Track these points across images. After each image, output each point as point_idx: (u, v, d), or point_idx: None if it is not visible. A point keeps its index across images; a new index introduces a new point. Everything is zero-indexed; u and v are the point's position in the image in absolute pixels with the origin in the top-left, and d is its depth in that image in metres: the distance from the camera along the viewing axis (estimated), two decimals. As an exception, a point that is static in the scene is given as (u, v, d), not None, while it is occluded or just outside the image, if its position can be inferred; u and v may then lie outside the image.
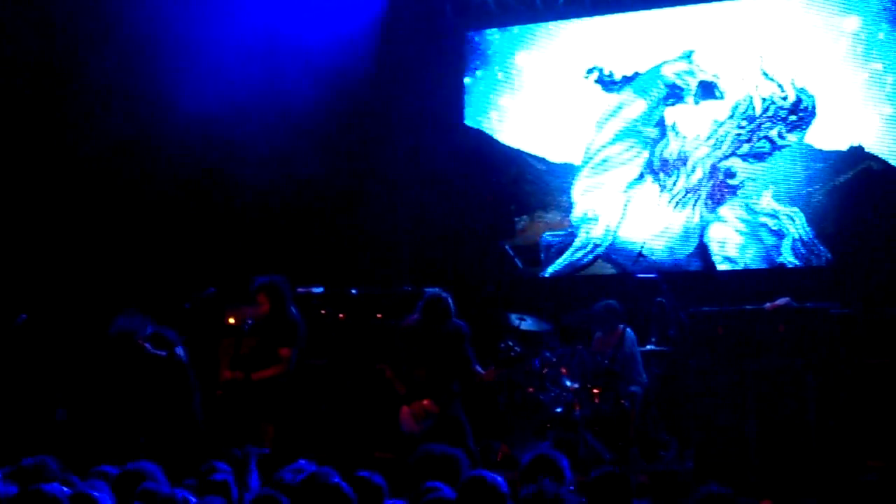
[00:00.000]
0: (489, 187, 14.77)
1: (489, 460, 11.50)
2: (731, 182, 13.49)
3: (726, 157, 13.51)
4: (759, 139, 13.36)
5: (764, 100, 13.36)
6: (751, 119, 13.41)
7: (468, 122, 14.86)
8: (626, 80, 14.07)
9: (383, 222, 14.73)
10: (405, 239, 14.71)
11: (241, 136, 14.27)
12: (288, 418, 11.94)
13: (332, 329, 12.80)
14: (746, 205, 13.39)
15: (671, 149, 13.80)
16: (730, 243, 13.47)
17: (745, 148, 13.43)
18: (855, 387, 10.39)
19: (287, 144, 14.47)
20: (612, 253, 14.02)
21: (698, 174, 13.63)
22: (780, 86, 13.28)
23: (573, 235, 14.25)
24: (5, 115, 13.96)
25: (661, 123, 13.88)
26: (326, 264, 13.95)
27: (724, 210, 13.50)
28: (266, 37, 14.30)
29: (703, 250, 13.59)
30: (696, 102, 13.70)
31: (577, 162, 14.29)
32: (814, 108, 13.12)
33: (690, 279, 13.35)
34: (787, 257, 13.15)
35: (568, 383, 11.96)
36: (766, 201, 13.29)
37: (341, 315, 12.86)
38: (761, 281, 12.87)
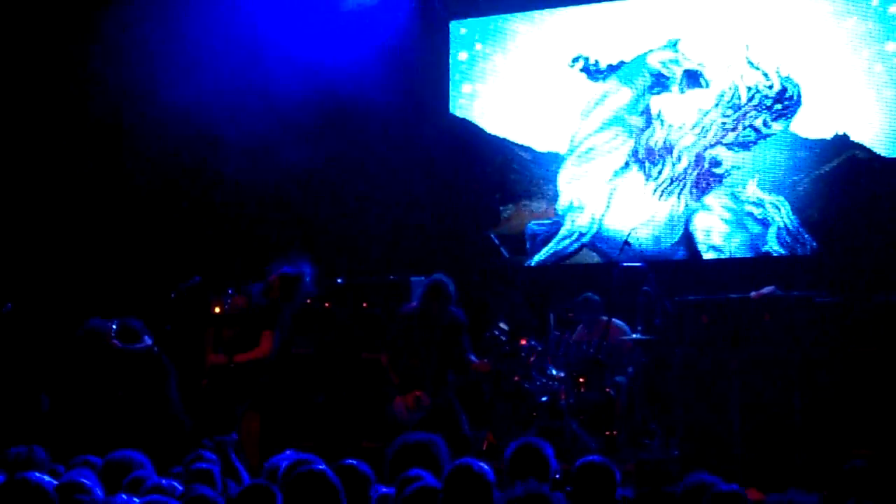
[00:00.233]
0: (474, 176, 14.77)
1: (475, 449, 11.50)
2: (716, 171, 13.50)
3: (712, 146, 13.52)
4: (745, 128, 13.37)
5: (749, 88, 13.36)
6: (736, 108, 13.41)
7: (453, 111, 14.85)
8: (612, 69, 14.08)
9: (368, 211, 14.73)
10: (390, 228, 14.69)
11: (227, 127, 14.24)
12: (275, 407, 11.96)
13: (317, 318, 12.79)
14: (732, 193, 13.41)
15: (656, 137, 13.81)
16: (715, 232, 13.49)
17: (731, 137, 13.44)
18: (840, 375, 10.41)
19: (271, 134, 14.45)
20: (598, 242, 14.03)
21: (684, 163, 13.64)
22: (765, 74, 13.29)
23: (559, 224, 14.26)
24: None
25: (646, 112, 13.89)
26: (312, 253, 13.92)
27: (709, 199, 13.52)
28: (249, 29, 14.28)
29: (688, 239, 13.61)
30: (682, 91, 13.71)
31: (562, 151, 14.29)
32: (799, 96, 13.13)
33: (676, 268, 13.37)
34: (773, 246, 13.16)
35: (553, 372, 11.97)
36: (752, 190, 13.30)
37: (327, 304, 12.85)
38: (746, 269, 12.89)
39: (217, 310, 11.35)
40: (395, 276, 13.06)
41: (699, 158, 13.57)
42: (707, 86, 13.57)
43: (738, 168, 13.40)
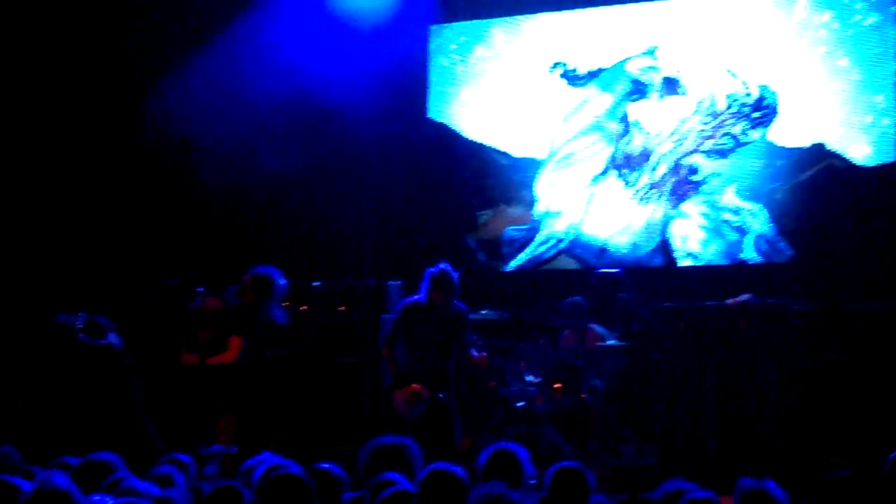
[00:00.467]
0: (452, 181, 14.76)
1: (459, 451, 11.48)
2: (694, 178, 13.51)
3: (689, 153, 13.54)
4: (723, 135, 13.39)
5: (727, 96, 13.39)
6: (714, 115, 13.43)
7: (432, 115, 14.84)
8: (591, 76, 14.09)
9: (346, 215, 14.71)
10: (368, 232, 14.67)
11: (204, 131, 14.22)
12: (250, 411, 11.90)
13: (294, 321, 12.76)
14: (709, 201, 13.42)
15: (635, 144, 13.83)
16: (692, 239, 13.50)
17: (709, 144, 13.45)
18: (816, 382, 10.44)
19: (249, 138, 14.46)
20: (575, 248, 14.03)
21: (661, 170, 13.66)
22: (743, 82, 13.31)
23: (536, 230, 14.26)
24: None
25: (624, 119, 13.90)
26: (289, 257, 13.90)
27: (686, 206, 13.53)
28: (227, 32, 14.28)
29: (665, 246, 13.62)
30: (660, 98, 13.73)
31: (540, 156, 14.29)
32: (777, 105, 13.16)
33: (653, 274, 13.38)
34: (750, 253, 13.18)
35: (530, 378, 11.97)
36: (729, 197, 13.32)
37: (304, 307, 12.82)
38: (723, 277, 12.91)
39: (194, 312, 11.32)
40: (372, 279, 13.03)
41: (677, 165, 13.59)
42: (685, 93, 13.60)
43: (716, 175, 13.41)
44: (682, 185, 13.57)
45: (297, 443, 11.92)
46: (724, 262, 13.35)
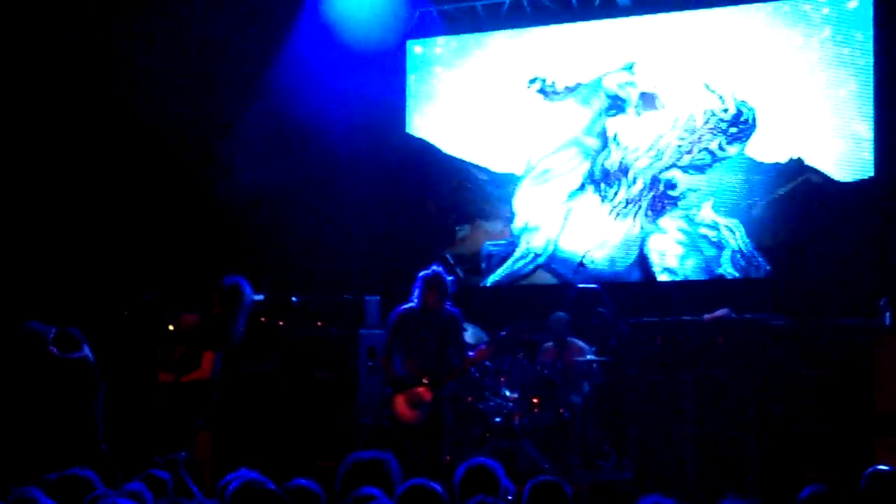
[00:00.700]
0: (430, 196, 14.76)
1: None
2: (671, 193, 13.54)
3: (667, 169, 13.56)
4: (700, 151, 13.41)
5: (705, 112, 13.41)
6: (692, 131, 13.46)
7: (410, 130, 14.85)
8: (568, 91, 14.11)
9: (324, 230, 14.70)
10: (346, 247, 14.65)
11: (180, 144, 14.22)
12: (227, 426, 11.87)
13: (272, 336, 12.74)
14: (687, 216, 13.44)
15: (612, 159, 13.85)
16: (670, 254, 13.52)
17: (686, 159, 13.48)
18: (793, 398, 10.45)
19: (227, 152, 14.45)
20: (553, 263, 14.04)
21: (639, 185, 13.67)
22: (720, 98, 13.34)
23: (514, 245, 14.27)
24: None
25: (602, 134, 13.92)
26: (267, 272, 13.88)
27: (664, 221, 13.55)
28: (203, 46, 14.27)
29: (643, 261, 13.63)
30: (638, 114, 13.75)
31: (518, 172, 14.31)
32: (754, 120, 13.19)
33: (631, 289, 13.39)
34: (727, 268, 13.20)
35: (507, 393, 11.96)
36: (707, 213, 13.34)
37: (281, 322, 12.80)
38: (701, 292, 12.93)
39: (171, 327, 11.26)
40: (350, 294, 13.01)
41: (654, 181, 13.61)
42: (663, 108, 13.62)
43: (694, 191, 13.43)
44: (660, 200, 13.59)
45: (274, 458, 11.89)
46: (701, 277, 13.37)
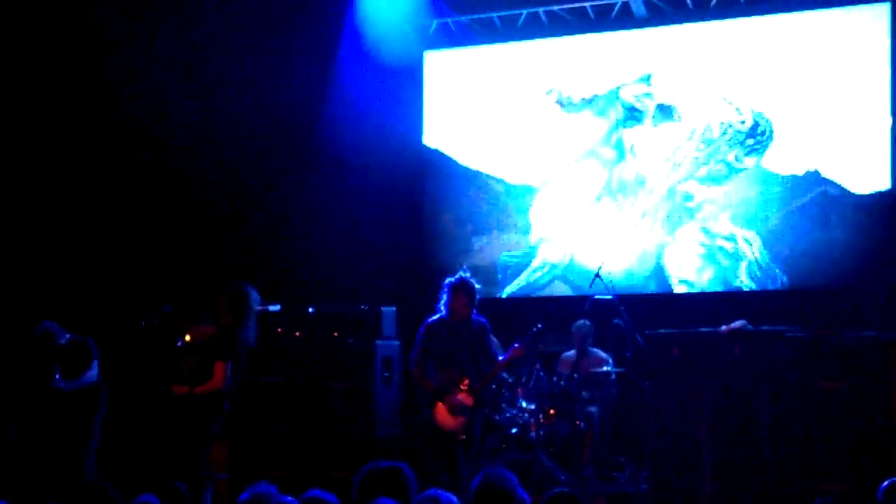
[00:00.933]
0: (447, 207, 14.76)
1: (441, 481, 11.42)
2: (688, 205, 13.52)
3: (684, 180, 13.55)
4: (717, 162, 13.40)
5: (722, 123, 13.40)
6: (708, 142, 13.45)
7: (427, 142, 14.85)
8: (585, 102, 14.11)
9: (340, 241, 14.70)
10: (362, 257, 14.66)
11: (199, 155, 14.24)
12: (244, 436, 11.87)
13: (288, 347, 12.75)
14: (703, 227, 13.43)
15: (629, 171, 13.84)
16: (686, 266, 13.50)
17: (703, 171, 13.47)
18: (809, 410, 10.42)
19: (242, 164, 14.48)
20: (570, 274, 14.03)
21: (656, 196, 13.66)
22: (737, 110, 13.33)
23: (530, 256, 14.26)
24: None
25: (619, 145, 13.92)
26: (283, 282, 13.90)
27: (681, 232, 13.53)
28: (220, 55, 14.32)
29: (659, 272, 13.62)
30: (655, 125, 13.74)
31: (535, 183, 14.31)
32: (771, 132, 13.17)
33: (647, 301, 13.36)
34: (743, 280, 13.19)
35: (524, 404, 11.95)
36: (724, 224, 13.33)
37: (298, 333, 12.80)
38: (717, 303, 12.90)
39: (188, 338, 11.26)
40: (366, 305, 13.01)
41: (671, 192, 13.59)
42: (680, 120, 13.61)
43: (710, 202, 13.42)
44: (677, 211, 13.58)
45: (290, 468, 11.90)
46: (718, 288, 13.35)
